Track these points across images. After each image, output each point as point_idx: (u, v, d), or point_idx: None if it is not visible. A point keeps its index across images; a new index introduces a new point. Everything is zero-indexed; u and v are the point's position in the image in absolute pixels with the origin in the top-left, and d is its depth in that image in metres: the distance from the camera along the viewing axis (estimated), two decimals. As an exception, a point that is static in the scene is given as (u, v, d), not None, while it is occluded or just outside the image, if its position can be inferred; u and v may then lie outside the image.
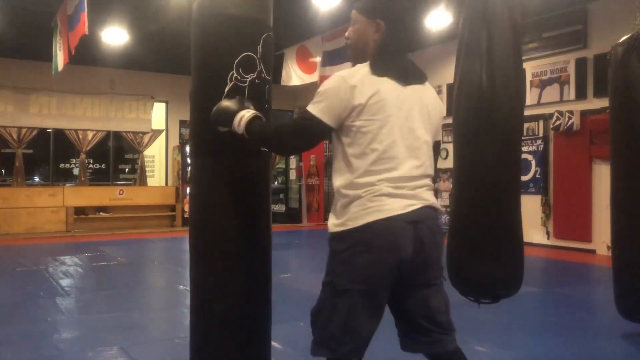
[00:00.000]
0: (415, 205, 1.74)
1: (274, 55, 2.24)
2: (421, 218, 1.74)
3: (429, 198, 1.80)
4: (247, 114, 1.89)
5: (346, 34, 1.94)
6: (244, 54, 2.07)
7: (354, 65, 1.86)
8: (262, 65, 2.12)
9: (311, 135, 1.81)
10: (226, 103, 1.98)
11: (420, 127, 1.81)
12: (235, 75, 2.06)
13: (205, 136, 2.14)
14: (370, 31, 1.85)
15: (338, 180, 1.79)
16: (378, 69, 1.76)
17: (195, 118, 2.20)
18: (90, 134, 11.16)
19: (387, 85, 1.75)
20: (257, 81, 2.11)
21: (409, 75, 1.83)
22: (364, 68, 1.77)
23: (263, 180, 2.25)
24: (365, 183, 1.72)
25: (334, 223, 1.79)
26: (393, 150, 1.74)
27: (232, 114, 1.92)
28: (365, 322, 1.74)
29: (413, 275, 1.77)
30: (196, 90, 2.18)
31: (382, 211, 1.69)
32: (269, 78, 2.18)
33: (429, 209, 1.78)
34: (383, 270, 1.71)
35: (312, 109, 1.74)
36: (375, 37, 1.84)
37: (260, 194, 2.23)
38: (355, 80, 1.72)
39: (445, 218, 9.42)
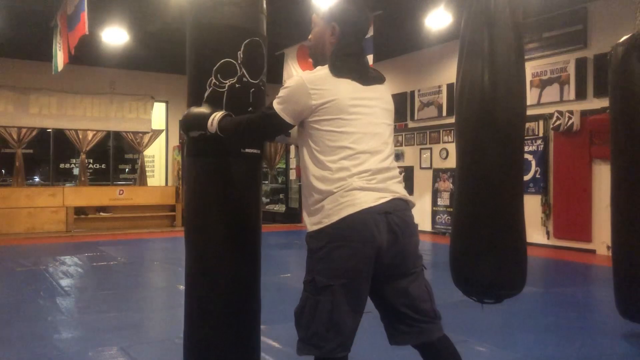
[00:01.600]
0: (386, 197, 1.80)
1: (264, 58, 2.31)
2: (392, 209, 1.80)
3: (398, 190, 1.86)
4: (218, 114, 2.02)
5: (309, 36, 2.05)
6: (222, 61, 2.17)
7: (315, 66, 1.97)
8: (243, 69, 2.20)
9: (273, 130, 1.96)
10: (197, 109, 2.12)
11: (383, 123, 1.91)
12: (213, 81, 2.17)
13: (196, 138, 2.21)
14: (327, 34, 1.96)
15: (308, 179, 1.85)
16: (337, 70, 1.84)
17: None
18: (90, 134, 11.16)
19: (347, 86, 1.83)
20: (237, 85, 2.19)
21: (368, 76, 1.92)
22: (324, 69, 1.86)
23: (254, 181, 2.32)
24: (336, 179, 1.78)
25: (309, 222, 1.86)
26: (360, 145, 1.81)
27: (205, 117, 2.04)
28: (348, 316, 1.77)
29: (391, 266, 1.82)
30: (190, 91, 2.29)
31: (355, 205, 1.75)
32: (254, 81, 2.25)
33: (400, 201, 1.84)
34: (361, 262, 1.75)
35: (275, 105, 1.85)
36: (332, 40, 1.95)
37: (250, 193, 2.30)
38: (314, 81, 1.81)
39: (446, 218, 9.46)
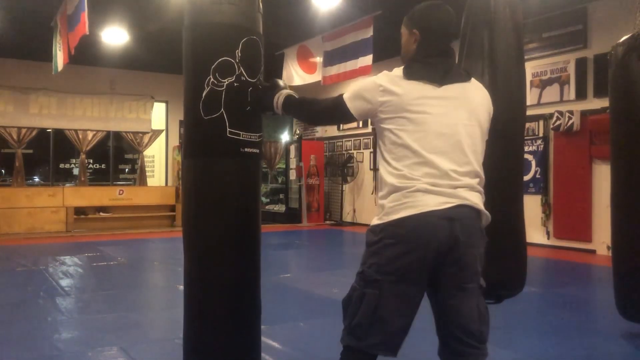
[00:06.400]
0: (452, 203, 1.74)
1: (261, 57, 2.30)
2: (457, 216, 1.74)
3: (469, 197, 1.79)
4: (282, 95, 2.15)
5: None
6: (220, 59, 2.16)
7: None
8: (242, 68, 2.19)
9: (339, 118, 2.14)
10: (262, 88, 2.23)
11: (461, 124, 1.83)
12: (212, 80, 2.15)
13: (194, 138, 2.23)
14: (410, 40, 2.00)
15: (380, 175, 1.88)
16: (408, 73, 1.86)
17: (185, 120, 2.29)
18: (90, 134, 11.16)
19: (416, 86, 1.83)
20: (235, 84, 2.18)
21: (445, 75, 1.87)
22: (396, 71, 1.89)
23: (253, 181, 2.31)
24: (401, 178, 1.77)
25: (375, 216, 1.85)
26: (424, 146, 1.77)
27: (268, 98, 2.19)
28: (392, 315, 1.75)
29: (449, 276, 1.78)
30: (186, 92, 2.27)
31: (415, 207, 1.73)
32: (252, 80, 2.24)
33: (468, 208, 1.78)
34: (412, 264, 1.73)
35: (345, 96, 1.94)
36: (414, 46, 1.98)
37: (249, 194, 2.28)
38: (385, 80, 1.85)
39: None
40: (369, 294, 1.75)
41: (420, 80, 1.84)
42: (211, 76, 2.15)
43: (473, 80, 1.95)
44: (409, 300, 1.78)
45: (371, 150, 11.02)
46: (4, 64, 10.24)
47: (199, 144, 2.21)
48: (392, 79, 1.85)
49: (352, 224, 11.36)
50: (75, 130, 11.02)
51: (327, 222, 11.84)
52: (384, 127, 1.84)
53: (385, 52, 9.51)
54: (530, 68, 8.00)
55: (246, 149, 2.22)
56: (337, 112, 1.98)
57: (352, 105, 1.89)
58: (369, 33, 7.57)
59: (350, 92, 1.93)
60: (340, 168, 11.68)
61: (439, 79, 1.85)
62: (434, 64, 1.90)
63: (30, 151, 11.27)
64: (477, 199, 1.82)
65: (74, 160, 11.99)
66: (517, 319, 4.03)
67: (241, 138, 2.19)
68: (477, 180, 1.85)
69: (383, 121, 1.84)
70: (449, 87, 1.85)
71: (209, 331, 2.22)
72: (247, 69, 2.21)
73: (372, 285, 1.75)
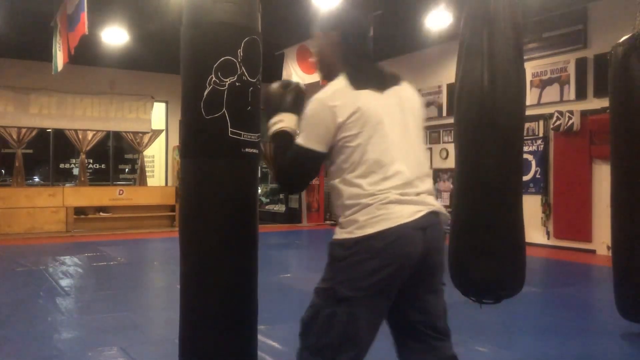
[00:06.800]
0: (422, 211, 1.73)
1: (260, 57, 2.30)
2: (427, 224, 1.73)
3: (433, 203, 1.79)
4: (275, 127, 1.87)
5: (313, 55, 1.98)
6: (223, 58, 2.14)
7: (326, 81, 1.89)
8: (243, 68, 2.18)
9: (310, 168, 1.81)
10: (274, 92, 1.94)
11: (407, 128, 1.81)
12: (214, 79, 2.13)
13: (194, 138, 2.21)
14: (328, 45, 1.88)
15: (340, 198, 1.76)
16: (353, 82, 1.76)
17: (183, 120, 2.29)
18: (90, 134, 11.16)
19: (366, 96, 1.75)
20: (237, 84, 2.17)
21: (384, 80, 1.83)
22: (340, 82, 1.77)
23: (251, 181, 2.31)
24: (370, 193, 1.70)
25: (339, 230, 1.77)
26: (388, 157, 1.73)
27: (272, 111, 1.92)
28: (365, 330, 1.71)
29: (419, 282, 1.76)
30: (184, 92, 2.26)
31: (391, 219, 1.67)
32: (253, 80, 2.23)
33: (434, 214, 1.77)
34: (390, 277, 1.69)
35: (301, 141, 1.75)
36: (334, 50, 1.87)
37: (248, 194, 2.28)
38: (333, 97, 1.73)
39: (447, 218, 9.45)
40: (341, 312, 1.67)
41: (367, 88, 1.76)
42: (213, 75, 2.13)
43: (402, 81, 1.89)
44: (381, 313, 1.75)
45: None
46: (4, 64, 10.23)
47: (200, 143, 2.20)
48: (340, 94, 1.74)
49: (352, 224, 11.33)
50: (75, 130, 11.02)
51: (327, 222, 11.82)
52: (347, 145, 1.72)
53: (385, 52, 9.53)
54: (530, 68, 8.00)
55: (246, 149, 2.21)
56: (306, 161, 1.77)
57: (317, 142, 1.73)
58: (370, 32, 7.56)
59: (304, 132, 1.76)
60: (340, 168, 11.66)
61: (381, 85, 1.80)
62: (366, 70, 1.84)
63: (30, 151, 11.27)
64: (437, 202, 1.82)
65: (74, 160, 11.99)
66: (517, 319, 4.03)
67: (242, 138, 2.18)
68: (431, 181, 1.85)
69: (345, 139, 1.72)
70: (389, 92, 1.81)
71: (204, 332, 2.21)
72: (248, 69, 2.20)
73: (344, 302, 1.67)
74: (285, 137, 1.85)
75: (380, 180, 1.71)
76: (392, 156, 1.74)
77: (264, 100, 1.98)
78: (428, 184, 1.82)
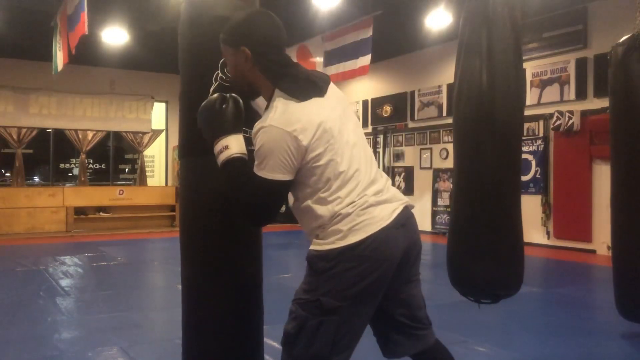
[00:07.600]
0: (398, 208, 1.73)
1: None
2: (404, 220, 1.74)
3: (401, 196, 1.80)
4: (228, 151, 1.71)
5: (228, 71, 1.89)
6: None
7: (251, 98, 1.87)
8: None
9: (279, 198, 1.69)
10: (211, 110, 1.77)
11: (353, 127, 1.77)
12: (220, 75, 2.09)
13: (191, 137, 2.16)
14: (241, 62, 1.74)
15: (316, 219, 1.70)
16: (294, 94, 1.66)
17: (181, 119, 2.24)
18: (90, 134, 11.16)
19: (316, 106, 1.67)
20: None
21: (317, 82, 1.74)
22: (281, 101, 1.65)
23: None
24: (348, 202, 1.67)
25: (317, 243, 1.73)
26: (355, 163, 1.70)
27: (213, 133, 1.75)
28: (353, 336, 1.71)
29: (399, 275, 1.76)
30: (183, 91, 2.21)
31: (374, 223, 1.66)
32: None
33: (407, 208, 1.78)
34: (377, 281, 1.68)
35: (264, 172, 1.62)
36: (249, 66, 1.73)
37: None
38: (290, 123, 1.60)
39: (446, 218, 9.46)
40: (328, 322, 1.65)
41: (311, 97, 1.67)
42: (219, 71, 2.08)
43: (329, 80, 1.82)
44: (368, 317, 1.75)
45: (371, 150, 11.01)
46: (4, 64, 10.23)
47: (203, 142, 2.17)
48: (291, 114, 1.62)
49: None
50: (75, 130, 11.02)
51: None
52: (318, 164, 1.64)
53: (385, 52, 9.54)
54: (530, 68, 8.00)
55: (249, 147, 2.18)
56: (273, 192, 1.65)
57: (281, 171, 1.62)
58: (369, 33, 7.57)
59: (264, 164, 1.62)
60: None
61: (319, 89, 1.72)
62: (297, 77, 1.72)
63: (30, 151, 11.28)
64: (402, 194, 1.83)
65: (74, 160, 12.01)
66: (517, 319, 4.03)
67: (246, 135, 2.16)
68: (384, 174, 1.84)
69: (314, 160, 1.64)
70: (328, 94, 1.74)
71: (206, 333, 2.17)
72: None
73: (332, 312, 1.65)
74: (237, 166, 1.70)
75: (354, 187, 1.68)
76: (357, 161, 1.71)
77: (201, 120, 1.79)
78: (385, 177, 1.82)
